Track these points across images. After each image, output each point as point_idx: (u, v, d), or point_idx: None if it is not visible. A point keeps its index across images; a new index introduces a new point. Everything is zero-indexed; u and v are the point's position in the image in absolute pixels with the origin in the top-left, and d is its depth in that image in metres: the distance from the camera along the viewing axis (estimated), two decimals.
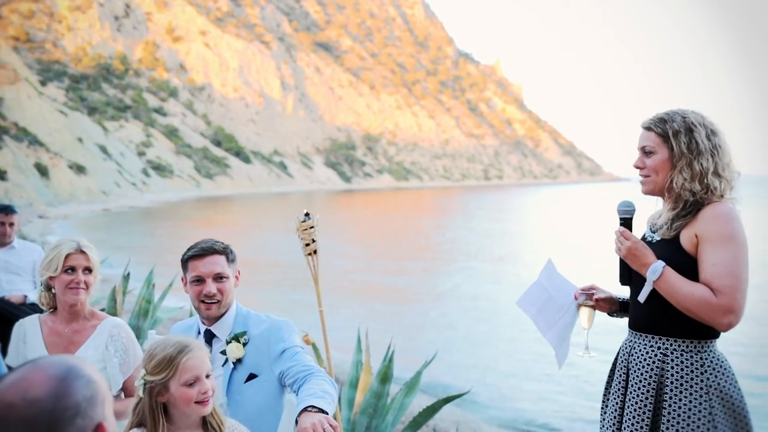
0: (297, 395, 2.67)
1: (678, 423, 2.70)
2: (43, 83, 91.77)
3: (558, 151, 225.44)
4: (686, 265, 2.73)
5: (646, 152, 2.87)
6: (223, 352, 2.97)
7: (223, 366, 2.95)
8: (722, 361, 2.76)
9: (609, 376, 3.02)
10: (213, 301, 2.98)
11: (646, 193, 2.93)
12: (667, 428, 2.71)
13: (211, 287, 2.96)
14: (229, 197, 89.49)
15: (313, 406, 2.43)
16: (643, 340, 2.84)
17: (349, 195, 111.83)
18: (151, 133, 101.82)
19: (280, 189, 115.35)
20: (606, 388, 3.03)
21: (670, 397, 2.72)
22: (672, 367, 2.74)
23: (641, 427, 2.77)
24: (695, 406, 2.69)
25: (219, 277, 2.99)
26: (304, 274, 4.87)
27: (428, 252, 30.84)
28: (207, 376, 2.45)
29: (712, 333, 2.75)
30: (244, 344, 2.97)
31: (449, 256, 29.36)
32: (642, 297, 2.81)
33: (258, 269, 21.44)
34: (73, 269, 3.24)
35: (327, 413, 2.42)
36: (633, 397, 2.82)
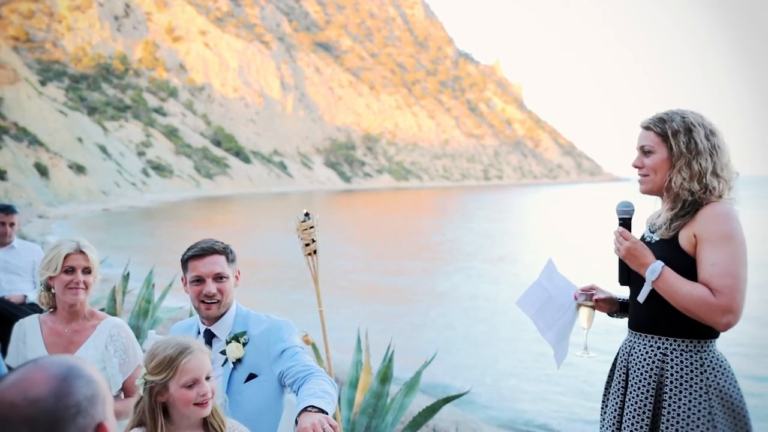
0: (297, 395, 2.67)
1: (678, 423, 2.70)
2: (42, 83, 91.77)
3: (558, 151, 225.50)
4: (685, 265, 2.74)
5: (645, 152, 2.88)
6: (223, 352, 2.97)
7: (222, 366, 2.95)
8: (722, 361, 2.76)
9: (609, 376, 3.02)
10: (213, 301, 2.98)
11: (644, 192, 2.93)
12: (667, 428, 2.71)
13: (211, 287, 2.97)
14: (229, 197, 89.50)
15: (313, 406, 2.43)
16: (643, 340, 2.84)
17: (348, 195, 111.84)
18: (151, 133, 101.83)
19: (279, 189, 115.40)
20: (606, 388, 3.03)
21: (670, 397, 2.72)
22: (672, 367, 2.74)
23: (641, 427, 2.77)
24: (695, 406, 2.69)
25: (219, 277, 2.99)
26: (304, 274, 4.87)
27: (428, 252, 30.85)
28: (207, 378, 2.45)
29: (712, 333, 2.75)
30: (244, 344, 2.97)
31: (449, 256, 29.36)
32: (641, 297, 2.82)
33: (258, 269, 21.44)
34: (72, 269, 3.24)
35: (327, 413, 2.42)
36: (633, 397, 2.82)
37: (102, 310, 6.04)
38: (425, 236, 39.43)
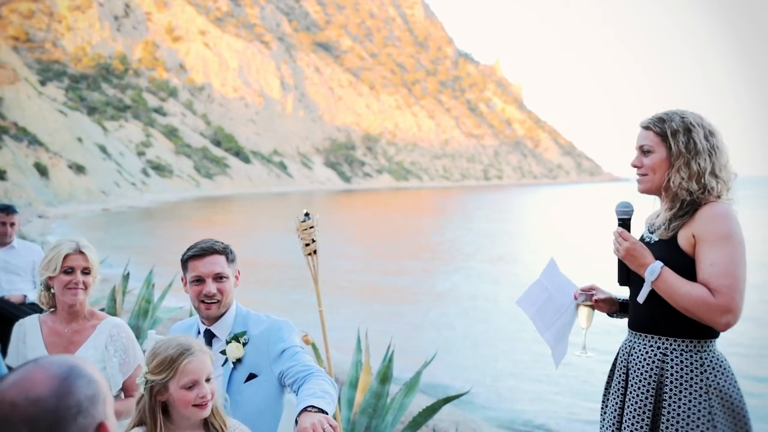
0: (297, 395, 2.67)
1: (678, 423, 2.70)
2: (42, 83, 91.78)
3: (558, 152, 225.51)
4: (684, 265, 2.74)
5: (644, 151, 2.88)
6: (223, 352, 2.97)
7: (222, 366, 2.96)
8: (722, 361, 2.76)
9: (609, 377, 3.03)
10: (213, 301, 2.98)
11: (642, 191, 2.94)
12: (667, 428, 2.71)
13: (210, 287, 2.97)
14: (229, 197, 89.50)
15: (313, 406, 2.43)
16: (643, 340, 2.84)
17: (348, 195, 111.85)
18: (151, 133, 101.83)
19: (279, 189, 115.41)
20: (606, 389, 3.03)
21: (670, 397, 2.73)
22: (672, 367, 2.75)
23: (641, 427, 2.77)
24: (695, 406, 2.69)
25: (219, 277, 2.99)
26: (304, 274, 4.88)
27: (428, 252, 30.86)
28: (208, 380, 2.44)
29: (712, 333, 2.76)
30: (244, 344, 2.97)
31: (449, 256, 29.36)
32: (641, 298, 2.82)
33: (258, 269, 21.44)
34: (71, 270, 3.24)
35: (327, 413, 2.42)
36: (633, 397, 2.82)
37: (102, 310, 6.04)
38: (425, 236, 39.44)
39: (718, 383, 2.71)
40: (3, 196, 41.46)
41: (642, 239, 2.92)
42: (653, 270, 2.74)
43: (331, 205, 74.55)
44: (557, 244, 31.72)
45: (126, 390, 3.34)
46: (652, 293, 2.78)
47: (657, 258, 2.78)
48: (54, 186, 55.82)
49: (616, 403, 2.89)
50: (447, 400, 5.21)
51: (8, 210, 5.96)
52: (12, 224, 5.92)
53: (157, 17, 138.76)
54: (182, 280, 3.08)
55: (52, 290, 3.29)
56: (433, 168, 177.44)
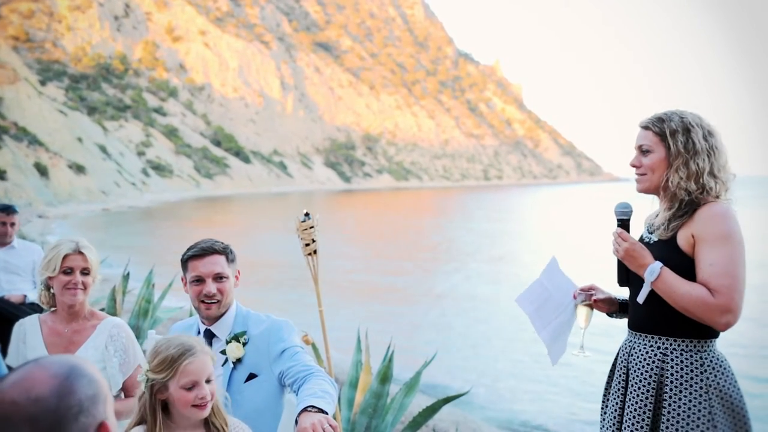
0: (297, 395, 2.67)
1: (678, 423, 2.70)
2: (42, 83, 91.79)
3: (558, 152, 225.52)
4: (684, 265, 2.74)
5: (643, 151, 2.89)
6: (223, 352, 2.97)
7: (222, 366, 2.96)
8: (722, 361, 2.77)
9: (609, 377, 3.03)
10: (213, 301, 2.98)
11: (641, 191, 2.94)
12: (667, 428, 2.71)
13: (210, 287, 2.97)
14: (229, 197, 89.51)
15: (313, 406, 2.43)
16: (643, 340, 2.84)
17: (348, 195, 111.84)
18: (151, 133, 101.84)
19: (279, 189, 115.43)
20: (606, 389, 3.03)
21: (670, 397, 2.73)
22: (672, 367, 2.75)
23: (641, 427, 2.78)
24: (695, 406, 2.69)
25: (219, 277, 2.99)
26: (304, 274, 4.88)
27: (427, 252, 30.86)
28: (208, 381, 2.44)
29: (712, 333, 2.76)
30: (244, 344, 2.97)
31: (448, 256, 29.37)
32: (641, 298, 2.82)
33: (258, 269, 21.44)
34: (71, 270, 3.24)
35: (327, 413, 2.42)
36: (633, 397, 2.82)
37: (102, 310, 6.04)
38: (425, 236, 39.44)
39: (718, 383, 2.71)
40: (3, 196, 41.47)
41: (641, 239, 2.93)
42: (653, 270, 2.74)
43: (331, 205, 74.55)
44: (557, 244, 31.71)
45: (126, 390, 3.34)
46: (652, 293, 2.78)
47: (656, 258, 2.78)
48: (54, 186, 55.83)
49: (617, 404, 2.89)
50: (447, 400, 5.21)
51: (8, 210, 5.96)
52: (12, 224, 5.92)
53: (157, 17, 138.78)
54: (182, 280, 3.08)
55: (52, 290, 3.30)
56: (433, 168, 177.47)
